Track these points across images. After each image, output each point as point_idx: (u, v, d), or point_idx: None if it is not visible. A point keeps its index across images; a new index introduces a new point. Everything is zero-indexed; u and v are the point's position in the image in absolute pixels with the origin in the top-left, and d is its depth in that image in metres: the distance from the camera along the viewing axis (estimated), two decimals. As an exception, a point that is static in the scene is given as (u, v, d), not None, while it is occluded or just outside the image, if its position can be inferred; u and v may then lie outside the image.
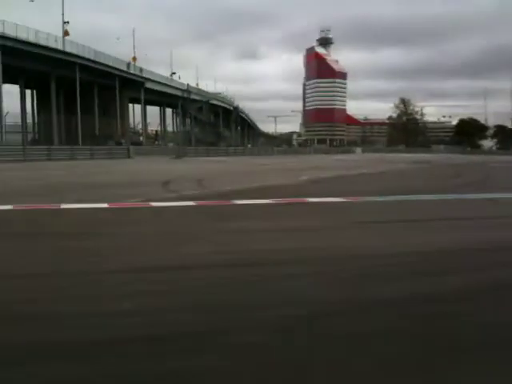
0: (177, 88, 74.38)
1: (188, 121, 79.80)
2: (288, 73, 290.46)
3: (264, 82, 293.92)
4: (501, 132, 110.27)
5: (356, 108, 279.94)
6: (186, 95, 72.97)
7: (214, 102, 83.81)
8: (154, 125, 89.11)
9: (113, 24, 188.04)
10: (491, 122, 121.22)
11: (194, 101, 74.85)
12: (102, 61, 55.52)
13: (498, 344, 3.36)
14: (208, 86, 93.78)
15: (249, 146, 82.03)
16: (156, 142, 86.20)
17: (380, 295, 4.38)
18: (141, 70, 63.04)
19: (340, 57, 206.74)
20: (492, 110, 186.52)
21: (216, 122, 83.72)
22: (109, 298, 4.21)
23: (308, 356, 3.15)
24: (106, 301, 4.15)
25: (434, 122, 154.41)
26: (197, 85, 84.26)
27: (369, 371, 2.97)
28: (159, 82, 70.36)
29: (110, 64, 57.17)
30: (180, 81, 77.00)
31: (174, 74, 77.32)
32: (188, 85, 74.98)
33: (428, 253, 6.13)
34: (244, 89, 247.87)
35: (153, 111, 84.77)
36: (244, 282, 4.72)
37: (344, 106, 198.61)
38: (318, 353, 3.20)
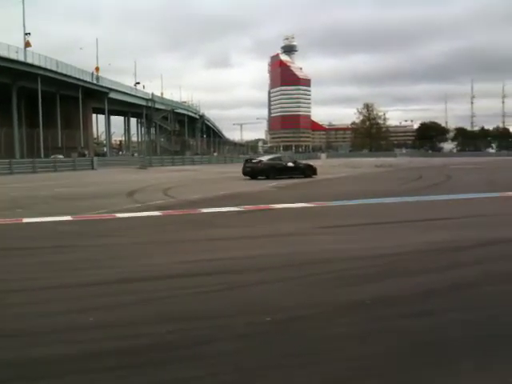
0: (141, 97, 73.87)
1: (153, 130, 79.25)
2: (255, 80, 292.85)
3: (232, 89, 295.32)
4: (461, 135, 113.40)
5: (323, 114, 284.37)
6: (150, 104, 72.52)
7: (180, 111, 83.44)
8: (118, 135, 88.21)
9: (82, 34, 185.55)
10: (452, 124, 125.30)
11: (159, 110, 74.40)
12: (64, 71, 54.64)
13: (467, 341, 3.48)
14: (173, 94, 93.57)
15: (215, 154, 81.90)
16: (120, 153, 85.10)
17: (347, 298, 4.45)
18: (98, 79, 62.26)
19: (306, 63, 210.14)
20: (453, 114, 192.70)
21: (181, 131, 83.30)
22: (77, 312, 4.15)
23: (275, 361, 3.20)
24: (73, 314, 4.09)
25: (397, 126, 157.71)
26: (162, 94, 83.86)
27: (337, 373, 3.03)
28: (123, 92, 69.69)
29: (74, 75, 56.34)
30: (145, 90, 76.62)
31: (138, 83, 76.83)
32: (152, 94, 74.52)
33: (393, 254, 6.27)
34: (212, 97, 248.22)
35: (117, 121, 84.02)
36: (211, 291, 4.72)
37: (309, 112, 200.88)
38: (285, 358, 3.25)
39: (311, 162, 29.57)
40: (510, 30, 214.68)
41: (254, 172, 24.35)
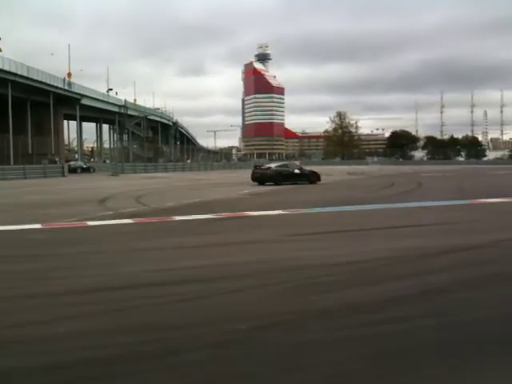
0: (114, 104, 73.11)
1: (125, 137, 78.48)
2: (229, 88, 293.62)
3: (206, 97, 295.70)
4: (431, 143, 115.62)
5: (296, 122, 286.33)
6: (123, 111, 71.84)
7: (153, 118, 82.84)
8: (90, 141, 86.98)
9: (54, 39, 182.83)
10: (422, 133, 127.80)
11: (132, 116, 73.71)
12: (35, 77, 53.73)
13: (427, 348, 3.54)
14: (147, 101, 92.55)
15: (188, 161, 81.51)
16: (92, 159, 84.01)
17: (320, 305, 4.47)
18: (70, 85, 61.37)
19: (280, 72, 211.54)
20: (423, 123, 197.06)
21: (154, 138, 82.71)
22: (47, 322, 4.06)
23: (250, 369, 3.19)
24: (43, 325, 4.00)
25: (369, 135, 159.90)
26: (135, 100, 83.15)
27: (311, 379, 3.04)
28: (96, 98, 68.88)
29: (45, 80, 55.38)
30: (118, 97, 75.85)
31: (110, 89, 76.04)
32: (125, 100, 73.80)
33: (363, 262, 6.33)
34: (187, 104, 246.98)
35: (89, 127, 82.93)
36: (184, 299, 4.68)
37: (282, 120, 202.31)
38: (260, 366, 3.24)
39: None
40: (478, 41, 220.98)
41: (263, 178, 25.49)
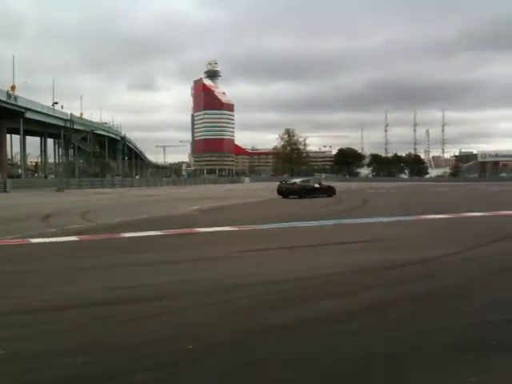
0: (59, 118, 71.20)
1: (71, 151, 76.50)
2: (179, 103, 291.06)
3: (156, 112, 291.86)
4: (375, 160, 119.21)
5: (246, 138, 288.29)
6: (69, 125, 70.04)
7: (100, 132, 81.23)
8: (34, 156, 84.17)
9: (1, 51, 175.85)
10: (367, 151, 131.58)
11: (78, 131, 72.00)
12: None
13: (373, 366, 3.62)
14: (94, 115, 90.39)
15: (137, 176, 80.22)
16: (36, 174, 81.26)
17: (269, 322, 4.49)
18: (15, 98, 59.38)
19: (230, 89, 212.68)
20: (368, 141, 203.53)
21: (101, 153, 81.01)
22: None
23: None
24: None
25: (317, 152, 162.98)
26: (81, 114, 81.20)
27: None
28: (40, 112, 66.84)
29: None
30: (63, 110, 73.94)
31: (56, 103, 73.88)
32: (71, 114, 72.01)
33: (313, 278, 6.41)
34: (137, 119, 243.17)
35: (33, 142, 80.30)
36: (131, 319, 4.59)
37: (232, 136, 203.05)
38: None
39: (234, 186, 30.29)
40: (421, 63, 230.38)
41: (289, 192, 28.37)
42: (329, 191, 29.25)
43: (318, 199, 26.92)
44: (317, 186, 29.70)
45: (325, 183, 32.34)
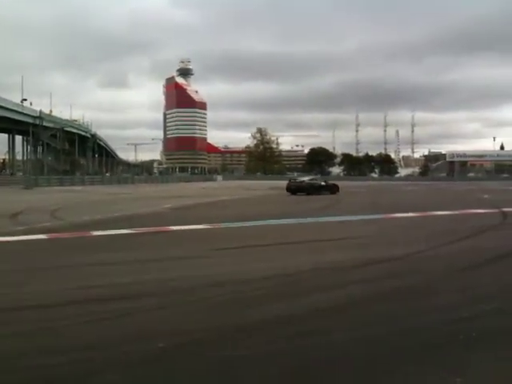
0: (28, 115, 69.70)
1: (40, 149, 74.98)
2: (152, 101, 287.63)
3: (129, 110, 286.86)
4: (347, 160, 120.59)
5: (219, 137, 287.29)
6: (38, 122, 68.60)
7: (70, 129, 79.82)
8: (1, 153, 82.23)
9: None
10: (339, 150, 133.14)
11: (48, 128, 70.60)
12: None
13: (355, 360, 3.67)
14: (64, 112, 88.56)
15: (107, 174, 79.11)
16: (3, 171, 79.41)
17: (244, 320, 4.51)
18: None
19: (203, 87, 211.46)
20: (340, 140, 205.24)
21: (71, 150, 79.57)
22: None
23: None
24: None
25: (289, 151, 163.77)
26: (51, 111, 79.64)
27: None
28: (8, 109, 65.38)
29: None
30: (33, 107, 72.37)
31: (25, 100, 72.29)
32: (41, 111, 70.56)
33: (288, 275, 6.46)
34: (108, 117, 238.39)
35: (1, 139, 78.47)
36: (101, 319, 4.53)
37: (205, 134, 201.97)
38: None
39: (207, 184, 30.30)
40: (392, 65, 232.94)
41: (298, 189, 30.81)
42: (333, 189, 31.21)
43: (295, 197, 27.58)
44: (323, 183, 32.36)
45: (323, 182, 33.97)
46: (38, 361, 3.51)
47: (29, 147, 78.85)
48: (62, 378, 3.23)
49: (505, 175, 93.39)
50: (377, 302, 5.17)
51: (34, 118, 69.39)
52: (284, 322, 4.47)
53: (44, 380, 3.20)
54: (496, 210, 16.68)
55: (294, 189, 30.98)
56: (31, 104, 73.18)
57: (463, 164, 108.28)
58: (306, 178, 35.17)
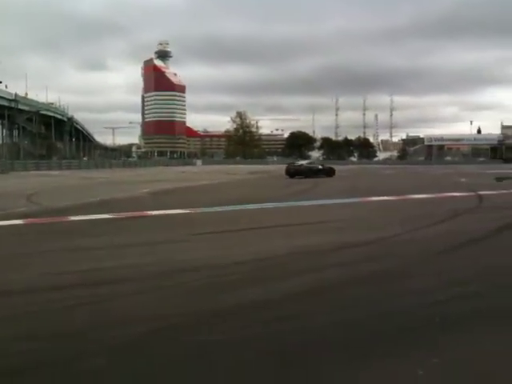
0: (3, 98, 68.25)
1: (16, 132, 73.54)
2: (130, 84, 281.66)
3: (107, 93, 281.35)
4: (326, 144, 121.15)
5: (198, 120, 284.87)
6: (13, 105, 67.18)
7: (46, 113, 78.39)
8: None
9: None
10: (318, 134, 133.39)
11: (23, 111, 69.22)
12: None
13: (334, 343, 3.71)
14: (39, 95, 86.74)
15: (84, 158, 78.09)
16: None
17: (220, 305, 4.52)
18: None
19: (182, 70, 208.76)
20: (319, 124, 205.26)
21: (48, 134, 78.26)
22: None
23: (148, 372, 3.15)
24: None
25: (269, 135, 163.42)
26: (26, 94, 77.98)
27: (212, 380, 3.07)
28: (-18, 92, 64.06)
29: None
30: (8, 90, 70.74)
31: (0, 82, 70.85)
32: (16, 94, 69.07)
33: (264, 259, 6.48)
34: (86, 100, 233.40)
35: (-27, 122, 76.58)
36: (79, 304, 4.51)
37: (184, 118, 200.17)
38: (159, 368, 3.22)
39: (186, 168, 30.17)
40: (371, 49, 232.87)
41: (296, 172, 32.09)
42: (330, 172, 32.96)
43: (274, 181, 27.68)
44: (320, 167, 33.97)
45: (327, 165, 35.61)
46: (13, 348, 3.49)
47: (4, 131, 77.28)
48: (36, 366, 3.21)
49: (481, 159, 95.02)
50: (353, 286, 5.22)
51: (10, 100, 67.93)
52: (260, 306, 4.50)
53: (18, 368, 3.18)
54: (472, 194, 16.94)
55: (293, 172, 32.26)
56: (6, 87, 71.46)
57: (440, 148, 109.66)
58: (304, 162, 37.70)
